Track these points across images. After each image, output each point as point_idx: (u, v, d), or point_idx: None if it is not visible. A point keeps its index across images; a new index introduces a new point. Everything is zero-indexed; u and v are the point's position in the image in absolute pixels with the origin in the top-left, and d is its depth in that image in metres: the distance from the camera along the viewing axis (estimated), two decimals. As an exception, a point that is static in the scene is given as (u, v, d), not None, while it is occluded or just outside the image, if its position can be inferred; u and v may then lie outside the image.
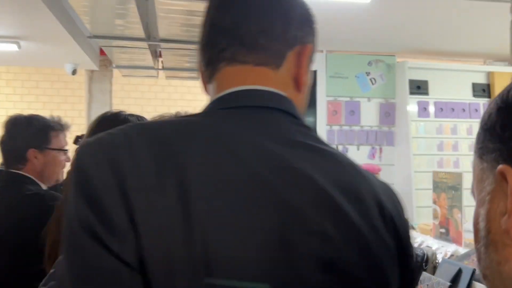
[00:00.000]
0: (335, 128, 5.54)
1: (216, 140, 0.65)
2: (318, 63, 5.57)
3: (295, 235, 0.61)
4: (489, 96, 5.73)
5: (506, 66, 6.03)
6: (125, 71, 5.32)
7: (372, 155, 5.60)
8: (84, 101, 5.69)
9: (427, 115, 5.59)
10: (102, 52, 5.09)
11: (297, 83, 0.78)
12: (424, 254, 2.46)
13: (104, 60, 5.31)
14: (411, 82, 5.54)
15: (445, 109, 5.63)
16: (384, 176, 5.11)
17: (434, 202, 2.90)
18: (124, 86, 11.74)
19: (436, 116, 5.60)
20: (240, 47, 0.74)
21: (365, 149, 5.59)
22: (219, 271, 0.56)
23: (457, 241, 2.66)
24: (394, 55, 5.73)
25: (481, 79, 5.78)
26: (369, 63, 5.68)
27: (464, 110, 5.66)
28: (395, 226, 0.72)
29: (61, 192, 2.40)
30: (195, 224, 0.57)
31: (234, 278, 0.57)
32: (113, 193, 0.56)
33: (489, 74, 5.77)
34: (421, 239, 2.82)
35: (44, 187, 2.04)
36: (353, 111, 5.57)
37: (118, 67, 4.98)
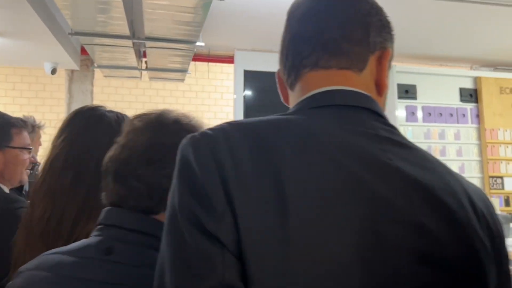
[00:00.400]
0: (323, 132, 5.44)
1: (309, 135, 0.67)
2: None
3: (387, 226, 0.62)
4: (476, 101, 5.73)
5: (492, 71, 6.04)
6: (107, 71, 5.12)
7: (360, 160, 5.51)
8: (64, 102, 5.47)
9: (415, 120, 5.55)
10: (83, 52, 4.89)
11: (379, 87, 0.80)
12: None
13: (85, 60, 5.11)
14: (399, 86, 5.50)
15: (433, 114, 5.60)
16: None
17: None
18: (104, 88, 11.46)
19: (424, 120, 5.56)
20: (323, 53, 0.76)
21: (353, 154, 5.51)
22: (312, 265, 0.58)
23: None
24: (382, 59, 5.67)
25: (468, 84, 5.78)
26: (357, 67, 5.60)
27: (451, 115, 5.64)
28: (488, 224, 0.69)
29: (27, 196, 2.19)
30: (288, 212, 0.59)
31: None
32: (213, 179, 0.60)
33: (476, 79, 5.78)
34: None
35: (6, 189, 1.86)
36: (341, 115, 5.49)
37: (99, 67, 4.78)
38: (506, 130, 5.69)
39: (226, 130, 0.67)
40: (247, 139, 0.65)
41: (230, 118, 11.56)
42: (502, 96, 5.77)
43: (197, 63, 5.26)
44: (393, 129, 0.75)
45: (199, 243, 0.57)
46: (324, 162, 0.64)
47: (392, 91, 5.47)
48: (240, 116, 5.31)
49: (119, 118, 1.25)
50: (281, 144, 0.64)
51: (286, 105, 0.86)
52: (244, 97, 5.36)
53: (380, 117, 0.75)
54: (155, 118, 0.94)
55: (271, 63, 5.26)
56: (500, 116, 5.71)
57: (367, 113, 0.74)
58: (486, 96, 5.68)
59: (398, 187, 0.64)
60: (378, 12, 0.82)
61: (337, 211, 0.61)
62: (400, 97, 5.47)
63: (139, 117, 0.95)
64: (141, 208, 0.87)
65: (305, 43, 0.78)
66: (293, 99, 0.80)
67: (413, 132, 5.50)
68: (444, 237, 0.63)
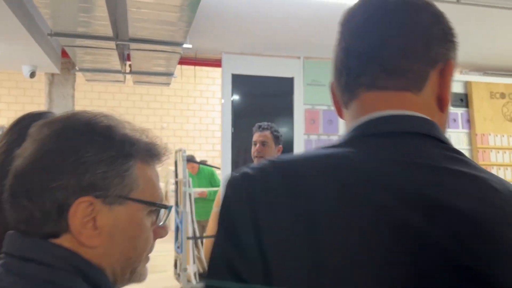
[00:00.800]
0: (313, 137, 5.32)
1: (354, 178, 0.64)
2: (295, 70, 5.35)
3: (432, 271, 0.57)
4: (467, 106, 5.67)
5: (481, 76, 6.00)
6: (89, 75, 4.92)
7: (350, 166, 5.40)
8: (44, 107, 5.24)
9: (406, 125, 5.46)
10: (64, 55, 4.69)
11: (441, 103, 0.75)
12: None
13: (66, 63, 4.90)
14: (390, 91, 5.40)
15: (424, 119, 5.52)
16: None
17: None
18: (86, 93, 11.23)
19: (415, 126, 5.47)
20: (380, 72, 0.72)
21: (344, 160, 5.39)
22: None
23: None
24: (372, 63, 5.58)
25: (459, 89, 5.72)
26: (347, 71, 5.50)
27: (442, 120, 5.56)
28: None
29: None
30: (322, 261, 0.58)
31: None
32: (247, 226, 0.61)
33: (467, 84, 5.72)
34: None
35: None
36: (331, 120, 5.38)
37: (81, 70, 4.58)
38: (496, 135, 5.65)
39: (266, 170, 0.66)
40: (285, 181, 0.63)
41: (216, 123, 11.40)
42: (493, 100, 5.72)
43: (183, 67, 5.10)
44: (456, 154, 0.69)
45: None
46: (366, 210, 0.60)
47: (382, 96, 5.37)
48: (228, 121, 5.16)
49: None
50: (322, 188, 0.62)
51: (340, 117, 0.81)
52: (232, 101, 5.21)
53: (441, 142, 0.70)
54: (63, 120, 0.77)
55: (259, 67, 5.12)
56: (491, 121, 5.66)
57: (426, 140, 0.69)
58: (476, 100, 5.63)
59: (450, 228, 0.59)
60: (440, 19, 0.76)
61: (375, 255, 0.58)
62: (390, 102, 5.37)
63: (50, 120, 0.78)
64: (36, 233, 0.71)
65: (360, 59, 0.73)
66: (348, 117, 0.76)
67: (404, 137, 5.41)
68: (507, 283, 0.57)
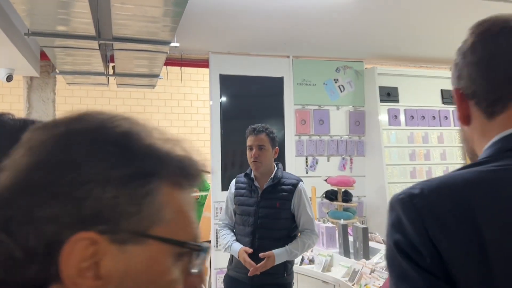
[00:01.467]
0: (304, 138, 5.18)
1: (504, 188, 0.74)
2: (285, 70, 5.21)
3: None
4: (457, 103, 5.60)
5: (471, 73, 5.95)
6: (70, 78, 4.69)
7: (342, 166, 5.28)
8: (23, 113, 4.98)
9: (398, 123, 5.36)
10: (43, 56, 4.45)
11: None
12: None
13: (45, 66, 4.66)
14: (381, 89, 5.31)
15: (416, 117, 5.43)
16: (356, 188, 4.80)
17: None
18: (67, 98, 10.91)
19: (407, 124, 5.39)
20: None
21: (336, 160, 5.27)
22: None
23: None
24: (362, 61, 5.49)
25: (450, 86, 5.63)
26: (337, 70, 5.39)
27: (434, 117, 5.49)
28: None
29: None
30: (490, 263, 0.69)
31: None
32: (421, 234, 0.73)
33: (457, 81, 5.65)
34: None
35: None
36: (322, 120, 5.25)
37: (62, 73, 4.35)
38: (488, 132, 5.58)
39: (424, 192, 0.76)
40: (445, 199, 0.74)
41: (201, 126, 11.18)
42: (483, 97, 5.66)
43: (169, 68, 4.90)
44: None
45: (418, 275, 0.71)
46: None
47: (374, 94, 5.27)
48: (217, 123, 4.98)
49: (33, 125, 0.90)
50: (478, 202, 0.72)
51: (461, 124, 0.92)
52: (221, 103, 5.03)
53: None
54: (67, 122, 0.54)
55: (247, 66, 4.95)
56: (482, 117, 5.59)
57: None
58: (467, 97, 5.55)
59: None
60: None
61: None
62: (382, 100, 5.27)
63: (52, 122, 0.56)
64: (14, 281, 0.49)
65: None
66: (491, 128, 0.82)
67: (397, 136, 5.32)
68: None
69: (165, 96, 11.07)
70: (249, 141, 2.70)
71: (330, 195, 4.64)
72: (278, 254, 2.53)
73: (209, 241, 4.85)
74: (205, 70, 5.54)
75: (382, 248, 2.99)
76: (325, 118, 5.26)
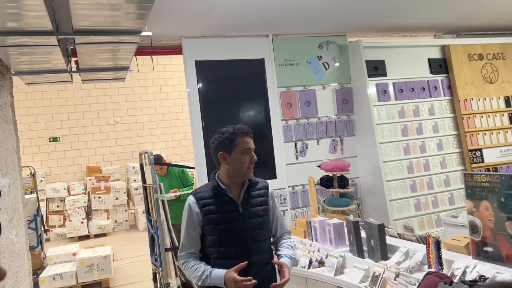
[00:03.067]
0: (292, 122, 4.84)
1: None
2: (265, 50, 4.82)
3: None
4: (446, 72, 5.37)
5: (455, 38, 5.70)
6: (28, 78, 4.18)
7: (333, 148, 4.99)
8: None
9: (388, 99, 5.08)
10: (-6, 56, 3.90)
11: None
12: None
13: (-2, 66, 4.12)
14: (367, 63, 4.99)
15: (405, 90, 5.17)
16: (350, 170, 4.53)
17: (471, 213, 2.28)
18: (28, 94, 10.19)
19: (397, 98, 5.11)
20: None
21: (326, 143, 4.97)
22: None
23: (518, 263, 2.06)
24: (345, 35, 5.14)
25: (437, 54, 5.39)
26: (320, 46, 5.03)
27: (424, 89, 5.24)
28: None
29: None
30: None
31: None
32: None
33: (444, 48, 5.40)
34: (465, 262, 2.18)
35: None
36: (309, 102, 4.91)
37: (18, 73, 3.84)
38: (479, 99, 5.39)
39: None
40: None
41: (173, 112, 10.68)
42: (471, 63, 5.45)
43: (136, 56, 4.42)
44: None
45: None
46: None
47: (361, 69, 4.96)
48: (196, 111, 4.57)
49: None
50: None
51: None
52: (199, 90, 4.61)
53: None
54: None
55: (225, 50, 4.51)
56: (472, 85, 5.39)
57: None
58: (456, 65, 5.33)
59: None
60: None
61: None
62: (369, 75, 4.97)
63: None
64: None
65: None
66: None
67: (387, 112, 5.04)
68: None
69: (132, 83, 10.48)
70: (245, 143, 2.25)
71: (326, 182, 4.35)
72: (289, 264, 2.21)
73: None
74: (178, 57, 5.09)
75: (400, 244, 2.72)
76: (312, 99, 4.92)
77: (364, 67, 4.94)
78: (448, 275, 2.17)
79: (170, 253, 4.60)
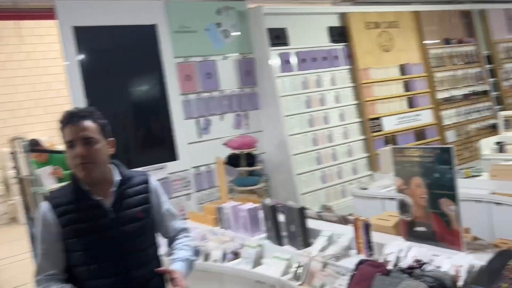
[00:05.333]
0: (192, 97, 4.38)
1: None
2: (157, 15, 4.25)
3: None
4: (346, 41, 5.27)
5: (352, 5, 5.63)
6: None
7: (238, 124, 4.65)
8: None
9: (290, 69, 4.85)
10: None
11: None
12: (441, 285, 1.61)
13: None
14: (269, 31, 4.68)
15: (308, 60, 4.97)
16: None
17: (401, 191, 2.09)
18: None
19: (300, 68, 4.90)
20: None
21: (230, 118, 4.61)
22: None
23: (453, 242, 1.91)
24: (244, 0, 4.76)
25: (336, 22, 5.27)
26: (218, 12, 4.59)
27: (325, 58, 5.09)
28: None
29: None
30: None
31: None
32: None
33: (343, 16, 5.29)
34: (398, 246, 1.99)
35: None
36: (210, 74, 4.48)
37: None
38: (377, 68, 5.41)
39: None
40: None
41: (54, 88, 9.51)
42: (369, 31, 5.42)
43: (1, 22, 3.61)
44: None
45: None
46: None
47: (263, 38, 4.63)
48: (78, 88, 3.90)
49: None
50: None
51: None
52: (81, 62, 3.93)
53: None
54: None
55: (109, 14, 3.83)
56: (370, 54, 5.38)
57: None
58: (355, 33, 5.26)
59: None
60: None
61: None
62: (272, 44, 4.67)
63: None
64: None
65: None
66: None
67: (291, 83, 4.82)
68: None
69: (1, 57, 9.10)
70: (68, 134, 1.72)
71: (233, 161, 4.02)
72: (182, 269, 1.79)
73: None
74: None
75: (323, 228, 2.49)
76: (213, 70, 4.50)
77: (266, 35, 4.62)
78: (381, 261, 1.96)
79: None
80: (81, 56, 3.92)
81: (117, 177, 1.80)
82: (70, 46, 3.87)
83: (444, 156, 1.86)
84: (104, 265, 1.71)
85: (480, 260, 1.75)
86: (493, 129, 6.31)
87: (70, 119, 1.71)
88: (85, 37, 3.91)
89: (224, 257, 2.72)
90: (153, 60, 4.25)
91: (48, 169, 4.64)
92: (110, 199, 1.76)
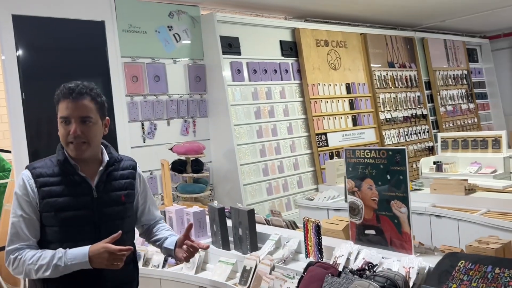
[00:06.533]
0: (138, 99, 4.22)
1: None
2: (106, 12, 4.08)
3: None
4: (296, 56, 5.34)
5: (303, 22, 5.73)
6: None
7: (185, 130, 4.52)
8: None
9: (242, 79, 4.81)
10: None
11: None
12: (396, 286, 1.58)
13: None
14: (222, 38, 4.64)
15: (259, 71, 4.96)
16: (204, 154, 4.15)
17: (352, 193, 2.06)
18: None
19: (250, 79, 4.88)
20: None
21: (177, 124, 4.47)
22: None
23: (402, 246, 1.90)
24: (197, 5, 4.69)
25: (287, 37, 5.32)
26: (171, 15, 4.49)
27: (276, 71, 5.11)
28: None
29: None
30: None
31: None
32: None
33: (295, 31, 5.36)
34: (347, 249, 1.95)
35: None
36: (158, 77, 4.34)
37: None
38: (324, 85, 5.51)
39: None
40: None
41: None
42: (318, 48, 5.53)
43: None
44: None
45: None
46: None
47: (215, 45, 4.57)
48: (15, 86, 3.63)
49: None
50: None
51: None
52: (18, 57, 3.66)
53: None
54: None
55: (54, 5, 3.64)
56: (319, 70, 5.48)
57: None
58: (305, 49, 5.34)
59: None
60: None
61: None
62: (224, 52, 4.62)
63: None
64: None
65: None
66: None
67: (241, 93, 4.77)
68: None
69: None
70: (63, 109, 1.64)
71: (179, 166, 3.88)
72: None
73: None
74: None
75: (270, 232, 2.41)
76: (161, 73, 4.37)
77: (218, 42, 4.57)
78: (331, 264, 1.92)
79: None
80: (20, 50, 3.66)
81: (105, 158, 1.76)
82: (9, 37, 3.60)
83: (396, 157, 1.87)
84: (79, 245, 1.61)
85: (429, 262, 1.75)
86: (429, 151, 6.61)
87: (69, 94, 1.64)
88: (25, 28, 3.66)
89: (165, 263, 2.57)
90: (99, 58, 4.06)
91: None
92: (96, 178, 1.71)
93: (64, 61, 3.89)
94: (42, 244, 1.67)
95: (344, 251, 1.94)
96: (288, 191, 5.03)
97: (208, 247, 1.86)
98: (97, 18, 4.03)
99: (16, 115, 3.64)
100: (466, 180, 3.39)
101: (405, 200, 1.86)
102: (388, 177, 1.90)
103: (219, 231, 2.50)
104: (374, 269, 1.77)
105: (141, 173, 1.91)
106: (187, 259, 1.82)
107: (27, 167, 1.71)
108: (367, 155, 1.97)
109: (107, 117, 1.78)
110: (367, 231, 2.02)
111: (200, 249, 1.82)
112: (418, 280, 1.67)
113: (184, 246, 1.79)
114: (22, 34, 3.66)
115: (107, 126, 1.78)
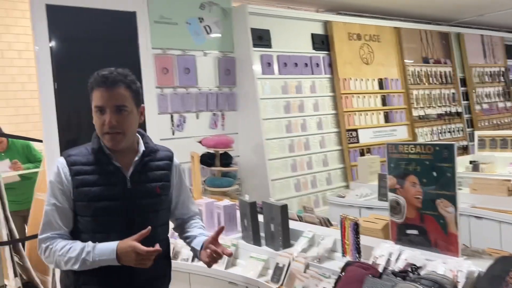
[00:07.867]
0: (168, 91, 4.18)
1: None
2: (137, 2, 4.05)
3: None
4: (328, 49, 5.21)
5: (336, 15, 5.60)
6: None
7: (214, 124, 4.47)
8: None
9: (272, 72, 4.72)
10: None
11: None
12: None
13: None
14: (253, 31, 4.56)
15: (289, 64, 4.87)
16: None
17: (393, 190, 1.95)
18: None
19: (280, 72, 4.79)
20: None
21: (206, 117, 4.42)
22: None
23: (448, 248, 1.78)
24: (228, -3, 4.63)
25: (319, 30, 5.20)
26: (202, 6, 4.43)
27: (306, 65, 5.01)
28: None
29: None
30: None
31: None
32: None
33: (327, 24, 5.24)
34: (388, 249, 1.85)
35: None
36: (188, 69, 4.30)
37: None
38: (356, 80, 5.37)
39: None
40: None
41: (18, 81, 9.03)
42: (351, 42, 5.39)
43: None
44: None
45: None
46: None
47: (246, 38, 4.50)
48: (48, 77, 3.64)
49: None
50: None
51: None
52: (51, 47, 3.67)
53: None
54: None
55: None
56: (350, 64, 5.34)
57: None
58: (337, 43, 5.21)
59: None
60: None
61: None
62: (254, 45, 4.54)
63: None
64: None
65: None
66: None
67: (271, 86, 4.69)
68: None
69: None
70: (98, 98, 1.59)
71: (208, 159, 3.83)
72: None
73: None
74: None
75: (303, 229, 2.33)
76: (191, 66, 4.32)
77: (249, 35, 4.49)
78: (371, 263, 1.82)
79: (6, 248, 3.65)
80: (53, 39, 3.66)
81: (141, 148, 1.70)
82: (42, 28, 3.60)
83: (444, 153, 1.75)
84: (110, 236, 1.57)
85: (478, 266, 1.64)
86: (464, 150, 6.38)
87: (102, 82, 1.58)
88: (58, 18, 3.66)
89: (194, 257, 2.52)
90: (130, 49, 4.03)
91: (6, 163, 4.34)
92: (131, 168, 1.66)
93: (95, 52, 3.88)
94: (74, 233, 1.64)
95: (384, 251, 1.84)
96: (316, 188, 4.92)
97: (231, 254, 1.79)
98: (129, 9, 4.00)
99: (48, 105, 3.65)
100: (509, 180, 3.22)
101: (452, 199, 1.75)
102: (434, 174, 1.78)
103: (250, 226, 2.43)
104: (418, 272, 1.66)
105: (178, 165, 1.86)
106: (209, 265, 1.72)
107: (62, 154, 1.68)
108: (412, 150, 1.86)
109: (143, 105, 1.73)
110: (408, 231, 1.91)
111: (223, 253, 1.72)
112: (467, 285, 1.56)
113: (208, 250, 1.69)
114: (55, 24, 3.66)
115: (143, 113, 1.73)
